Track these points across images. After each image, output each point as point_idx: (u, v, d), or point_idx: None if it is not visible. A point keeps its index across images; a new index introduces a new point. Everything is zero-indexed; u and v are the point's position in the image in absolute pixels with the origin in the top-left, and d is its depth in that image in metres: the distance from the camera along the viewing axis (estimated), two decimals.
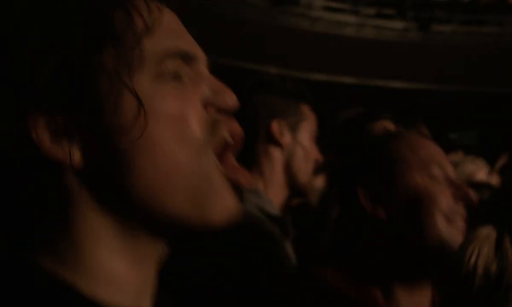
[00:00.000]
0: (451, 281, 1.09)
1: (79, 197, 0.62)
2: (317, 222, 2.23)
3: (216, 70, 0.72)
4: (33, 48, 0.59)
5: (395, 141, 1.36)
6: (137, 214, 0.63)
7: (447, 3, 11.23)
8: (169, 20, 0.67)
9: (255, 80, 1.85)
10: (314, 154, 1.84)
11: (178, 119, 0.63)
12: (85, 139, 0.62)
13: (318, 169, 1.88)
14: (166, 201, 0.63)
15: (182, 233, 0.66)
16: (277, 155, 1.77)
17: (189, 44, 0.68)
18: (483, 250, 1.04)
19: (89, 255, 0.63)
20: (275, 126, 1.75)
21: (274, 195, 1.74)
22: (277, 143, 1.76)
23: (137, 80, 0.62)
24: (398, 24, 10.80)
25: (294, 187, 1.79)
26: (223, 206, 0.65)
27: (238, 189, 0.68)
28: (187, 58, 0.66)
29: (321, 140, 1.97)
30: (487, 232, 1.07)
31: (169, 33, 0.65)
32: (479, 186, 2.43)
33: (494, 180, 2.99)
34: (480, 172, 2.96)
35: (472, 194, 1.29)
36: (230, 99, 0.67)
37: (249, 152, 1.74)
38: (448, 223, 1.25)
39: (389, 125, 2.23)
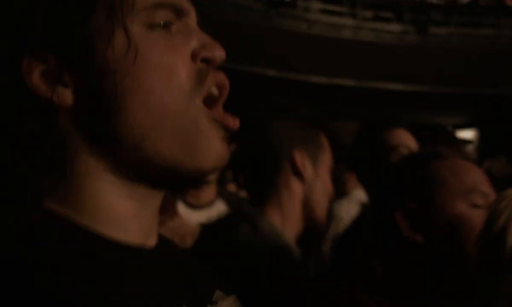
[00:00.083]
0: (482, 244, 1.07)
1: (74, 139, 0.64)
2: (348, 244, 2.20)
3: None
4: None
5: (438, 163, 1.29)
6: (130, 156, 0.65)
7: (444, 5, 11.27)
8: None
9: (273, 104, 1.79)
10: (330, 187, 1.78)
11: (167, 67, 0.65)
12: (77, 80, 0.63)
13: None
14: (156, 143, 0.64)
15: (174, 177, 0.67)
16: (297, 187, 1.66)
17: None
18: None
19: (90, 196, 0.65)
20: (298, 157, 1.65)
21: (290, 229, 1.67)
22: (300, 176, 1.67)
23: (128, 26, 0.63)
24: (395, 27, 10.82)
25: (310, 221, 1.72)
26: (211, 149, 0.67)
27: (227, 134, 0.70)
28: (177, 10, 0.68)
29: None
30: None
31: None
32: None
33: None
34: None
35: None
36: (218, 52, 0.69)
37: (268, 181, 1.68)
38: None
39: (405, 135, 2.19)
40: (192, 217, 2.56)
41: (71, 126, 0.64)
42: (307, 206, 1.68)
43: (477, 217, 1.19)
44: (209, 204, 2.75)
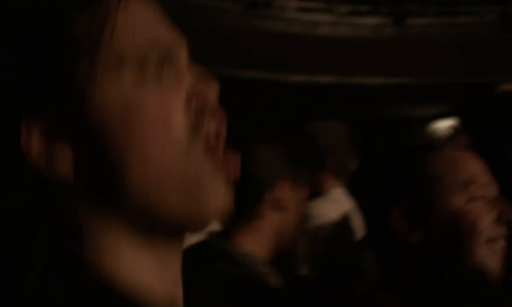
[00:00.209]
0: None
1: (80, 200, 0.64)
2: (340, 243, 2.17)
3: None
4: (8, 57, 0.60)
5: (433, 156, 1.25)
6: (138, 215, 0.65)
7: None
8: (141, 11, 0.67)
9: (259, 131, 1.76)
10: (302, 211, 1.76)
11: (161, 121, 0.63)
12: (74, 146, 0.63)
13: None
14: (161, 202, 0.65)
15: (183, 227, 0.68)
16: (276, 218, 1.66)
17: (166, 35, 0.68)
18: None
19: (111, 261, 0.65)
20: (281, 190, 1.64)
21: (264, 257, 1.66)
22: (281, 208, 1.65)
23: (117, 80, 0.63)
24: (373, 20, 10.79)
25: (280, 249, 1.71)
26: (216, 197, 0.67)
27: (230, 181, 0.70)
28: (167, 50, 0.67)
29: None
30: None
31: (144, 28, 0.65)
32: None
33: None
34: None
35: None
36: (212, 91, 0.68)
37: (247, 210, 1.65)
38: (489, 250, 1.17)
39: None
40: None
41: (78, 190, 0.64)
42: (281, 236, 1.69)
43: (477, 210, 1.18)
44: None
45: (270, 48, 9.80)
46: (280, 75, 10.05)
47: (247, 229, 1.65)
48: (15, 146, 0.61)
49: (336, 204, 2.60)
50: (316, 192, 2.67)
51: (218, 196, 0.67)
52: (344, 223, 2.53)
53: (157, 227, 0.66)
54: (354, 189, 2.54)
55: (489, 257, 1.17)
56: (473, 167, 1.23)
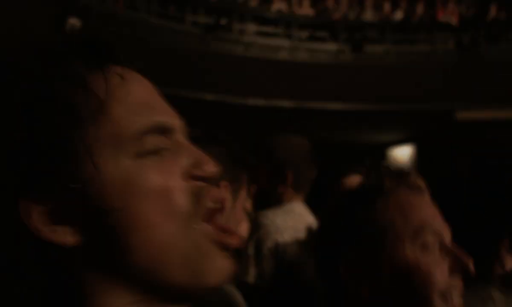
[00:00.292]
0: None
1: (88, 276, 0.64)
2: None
3: None
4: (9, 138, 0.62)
5: (382, 201, 1.16)
6: (141, 285, 0.65)
7: (378, 23, 11.46)
8: (140, 90, 0.68)
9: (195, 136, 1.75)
10: (244, 218, 1.75)
11: (162, 194, 0.64)
12: (76, 220, 0.63)
13: None
14: (164, 272, 0.65)
15: (184, 296, 0.68)
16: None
17: (165, 114, 0.69)
18: None
19: None
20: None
21: None
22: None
23: (117, 159, 0.63)
24: (331, 46, 10.94)
25: None
26: (217, 268, 0.67)
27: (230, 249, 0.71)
28: (164, 130, 0.67)
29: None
30: None
31: (143, 107, 0.67)
32: None
33: None
34: None
35: (471, 264, 1.11)
36: (210, 168, 0.69)
37: None
38: (444, 302, 1.08)
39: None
40: None
41: (82, 262, 0.64)
42: None
43: (429, 261, 1.09)
44: None
45: (229, 71, 9.85)
46: (239, 98, 10.08)
47: None
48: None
49: (292, 216, 2.60)
50: (275, 204, 2.67)
51: (219, 268, 0.68)
52: (296, 237, 2.52)
53: (158, 293, 0.66)
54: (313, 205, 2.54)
55: None
56: (424, 212, 1.15)
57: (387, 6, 11.96)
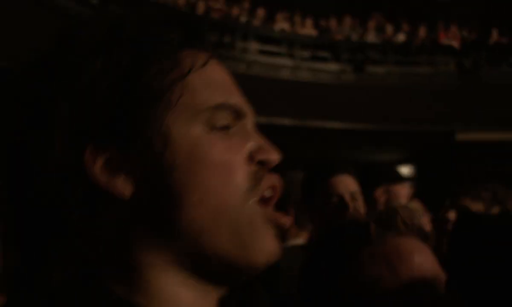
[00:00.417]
0: None
1: (134, 230, 0.66)
2: None
3: None
4: (91, 81, 0.65)
5: (368, 254, 1.06)
6: (188, 250, 0.66)
7: (381, 45, 11.55)
8: (219, 72, 0.72)
9: None
10: None
11: (225, 167, 0.66)
12: (137, 174, 0.65)
13: None
14: (212, 239, 0.66)
15: (228, 273, 0.69)
16: None
17: (239, 99, 0.72)
18: None
19: (153, 286, 0.66)
20: None
21: None
22: None
23: (189, 126, 0.66)
24: (333, 66, 11.02)
25: None
26: (265, 246, 0.69)
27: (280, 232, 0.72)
28: (236, 113, 0.70)
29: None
30: None
31: (220, 87, 0.70)
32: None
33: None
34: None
35: None
36: (274, 155, 0.71)
37: None
38: None
39: (351, 182, 2.15)
40: None
41: (130, 217, 0.66)
42: None
43: None
44: None
45: None
46: None
47: None
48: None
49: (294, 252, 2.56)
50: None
51: (267, 246, 0.69)
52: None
53: (204, 267, 0.68)
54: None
55: None
56: (413, 263, 1.06)
57: (389, 28, 12.07)
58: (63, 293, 0.64)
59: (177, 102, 0.66)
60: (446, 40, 12.01)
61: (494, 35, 11.98)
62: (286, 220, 0.72)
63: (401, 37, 11.98)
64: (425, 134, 10.98)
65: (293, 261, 2.32)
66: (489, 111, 10.40)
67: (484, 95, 10.52)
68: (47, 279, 0.66)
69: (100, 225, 0.65)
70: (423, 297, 1.03)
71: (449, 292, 1.09)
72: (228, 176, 0.67)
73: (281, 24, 11.40)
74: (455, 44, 11.85)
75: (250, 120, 0.73)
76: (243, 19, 11.13)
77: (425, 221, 2.82)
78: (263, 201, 0.70)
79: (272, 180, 0.72)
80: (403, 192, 3.02)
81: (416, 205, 2.95)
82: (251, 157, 0.69)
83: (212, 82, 0.70)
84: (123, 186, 0.65)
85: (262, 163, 0.70)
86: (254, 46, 10.67)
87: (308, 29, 11.56)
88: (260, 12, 11.39)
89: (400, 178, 3.06)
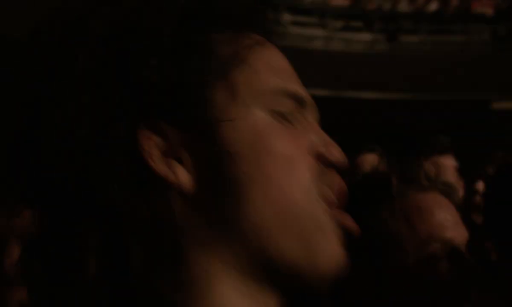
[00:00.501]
0: None
1: (189, 225, 0.59)
2: None
3: None
4: (149, 64, 0.58)
5: (388, 208, 1.04)
6: (249, 251, 0.60)
7: (413, 14, 11.41)
8: (281, 58, 0.68)
9: None
10: None
11: (288, 157, 0.61)
12: (196, 162, 0.59)
13: None
14: (276, 239, 0.60)
15: (292, 280, 0.61)
16: None
17: (302, 88, 0.67)
18: None
19: (209, 293, 0.59)
20: None
21: None
22: None
23: (251, 110, 0.61)
24: (366, 36, 10.92)
25: None
26: (332, 250, 0.62)
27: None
28: (300, 102, 0.65)
29: None
30: None
31: (282, 72, 0.65)
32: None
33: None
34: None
35: (482, 277, 1.03)
36: (338, 153, 0.65)
37: None
38: None
39: (376, 161, 2.11)
40: None
41: (186, 208, 0.59)
42: None
43: (434, 271, 0.99)
44: None
45: None
46: None
47: None
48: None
49: None
50: None
51: (333, 250, 0.62)
52: None
53: (266, 273, 0.60)
54: None
55: None
56: (433, 221, 1.03)
57: None
58: (112, 300, 0.57)
59: (238, 82, 0.61)
60: (479, 8, 11.81)
61: None
62: (357, 228, 0.65)
63: (433, 6, 11.82)
64: (460, 103, 10.84)
65: None
66: None
67: None
68: (86, 281, 0.56)
69: (153, 221, 0.57)
70: (440, 257, 0.99)
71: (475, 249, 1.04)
72: (291, 167, 0.61)
73: None
74: (489, 11, 11.66)
75: (313, 114, 0.67)
76: None
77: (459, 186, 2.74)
78: (331, 200, 0.63)
79: (338, 182, 0.65)
80: (450, 164, 2.92)
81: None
82: (314, 151, 0.63)
83: (273, 65, 0.65)
84: (181, 174, 0.58)
85: (325, 161, 0.64)
86: (286, 17, 10.59)
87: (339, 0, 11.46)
88: None
89: (447, 149, 2.96)
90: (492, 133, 10.77)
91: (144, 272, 0.57)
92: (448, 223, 1.03)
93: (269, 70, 0.64)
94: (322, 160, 0.64)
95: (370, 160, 2.10)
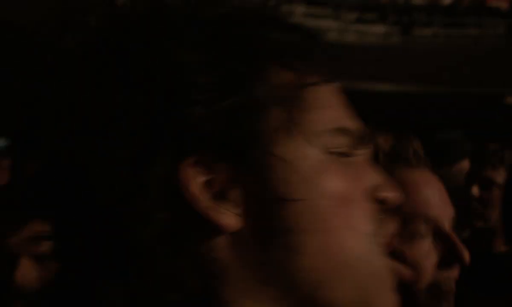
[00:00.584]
0: None
1: (230, 263, 0.55)
2: None
3: None
4: (197, 81, 0.54)
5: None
6: (295, 296, 0.55)
7: (427, 7, 11.37)
8: (336, 93, 0.63)
9: None
10: None
11: (346, 201, 0.57)
12: (243, 200, 0.55)
13: None
14: (331, 293, 0.56)
15: None
16: None
17: (356, 125, 0.62)
18: None
19: None
20: None
21: None
22: None
23: (306, 148, 0.57)
24: (379, 29, 10.90)
25: None
26: (387, 300, 0.59)
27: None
28: (357, 139, 0.61)
29: None
30: None
31: (340, 109, 0.61)
32: None
33: None
34: None
35: (467, 256, 1.01)
36: (395, 194, 0.62)
37: None
38: (432, 296, 0.96)
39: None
40: None
41: (232, 249, 0.55)
42: None
43: (417, 253, 0.96)
44: None
45: None
46: None
47: None
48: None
49: None
50: None
51: (390, 298, 0.59)
52: None
53: None
54: None
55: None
56: (418, 198, 1.02)
57: None
58: None
59: (295, 119, 0.56)
60: (494, 2, 11.75)
61: None
62: (410, 275, 0.63)
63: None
64: (474, 97, 10.80)
65: None
66: None
67: None
68: None
69: (189, 261, 0.54)
70: (421, 231, 0.98)
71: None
72: (349, 213, 0.56)
73: None
74: (504, 5, 11.59)
75: (367, 151, 0.63)
76: None
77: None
78: (383, 246, 0.60)
79: (393, 225, 0.64)
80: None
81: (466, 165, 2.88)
82: (370, 193, 0.59)
83: (330, 102, 0.61)
84: (227, 215, 0.54)
85: (382, 205, 0.60)
86: (300, 9, 10.59)
87: None
88: None
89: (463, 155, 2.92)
90: (506, 127, 10.73)
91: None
92: (433, 200, 1.03)
93: (327, 107, 0.60)
94: (378, 203, 0.60)
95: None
